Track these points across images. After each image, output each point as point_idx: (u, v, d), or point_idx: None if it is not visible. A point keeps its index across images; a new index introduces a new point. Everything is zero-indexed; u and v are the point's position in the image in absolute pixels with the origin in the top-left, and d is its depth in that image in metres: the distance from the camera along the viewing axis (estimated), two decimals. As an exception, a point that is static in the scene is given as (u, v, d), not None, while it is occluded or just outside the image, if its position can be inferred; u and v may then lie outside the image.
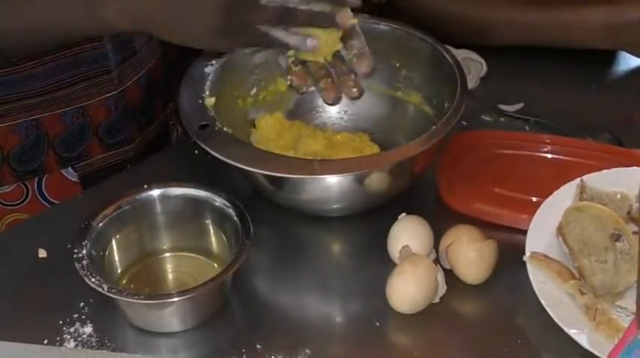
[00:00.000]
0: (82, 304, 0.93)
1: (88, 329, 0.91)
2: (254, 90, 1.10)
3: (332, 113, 1.14)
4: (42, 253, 0.99)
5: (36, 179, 1.10)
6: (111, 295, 0.87)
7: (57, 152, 1.10)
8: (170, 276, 0.97)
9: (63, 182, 1.12)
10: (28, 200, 1.11)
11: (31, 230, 1.04)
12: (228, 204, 0.95)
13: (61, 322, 0.92)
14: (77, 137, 1.11)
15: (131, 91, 1.13)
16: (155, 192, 0.96)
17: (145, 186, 0.96)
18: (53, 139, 1.09)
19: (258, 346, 0.89)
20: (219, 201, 0.95)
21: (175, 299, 0.88)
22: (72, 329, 0.91)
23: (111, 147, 1.14)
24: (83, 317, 0.92)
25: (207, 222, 0.96)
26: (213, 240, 0.97)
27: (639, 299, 0.80)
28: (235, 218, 0.93)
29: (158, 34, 0.94)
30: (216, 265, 0.96)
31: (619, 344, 0.73)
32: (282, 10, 0.90)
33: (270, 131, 1.07)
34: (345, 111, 1.14)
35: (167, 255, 0.98)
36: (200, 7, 0.89)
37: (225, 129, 0.97)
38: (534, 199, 1.01)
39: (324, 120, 1.14)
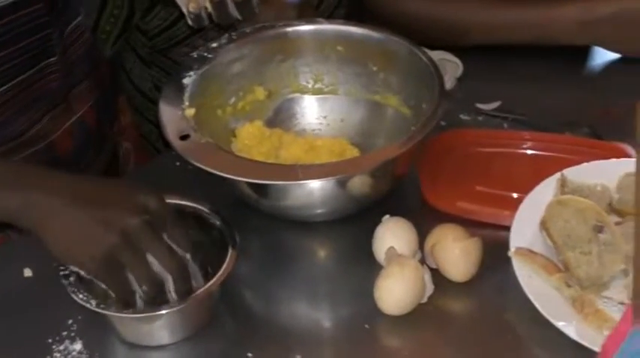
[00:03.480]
0: (70, 321, 0.93)
1: (78, 346, 0.91)
2: (233, 100, 1.10)
3: (311, 119, 1.14)
4: (27, 272, 0.98)
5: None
6: (99, 311, 0.87)
7: None
8: (158, 288, 0.97)
9: None
10: None
11: (16, 249, 1.04)
12: (213, 214, 0.95)
13: (50, 340, 0.91)
14: None
15: (88, 115, 1.14)
16: (139, 205, 0.96)
17: (129, 200, 0.96)
18: None
19: (249, 354, 0.89)
20: (203, 212, 0.95)
21: (164, 311, 0.88)
22: (62, 347, 0.91)
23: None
24: (72, 334, 0.92)
25: (191, 232, 0.96)
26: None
27: (635, 289, 0.79)
28: (220, 227, 0.94)
29: None
30: (203, 276, 0.96)
31: (615, 335, 0.72)
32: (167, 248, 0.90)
33: (251, 139, 1.07)
34: (325, 117, 1.14)
35: (153, 267, 0.98)
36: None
37: (206, 139, 0.97)
38: (516, 195, 1.02)
39: (304, 127, 1.14)
